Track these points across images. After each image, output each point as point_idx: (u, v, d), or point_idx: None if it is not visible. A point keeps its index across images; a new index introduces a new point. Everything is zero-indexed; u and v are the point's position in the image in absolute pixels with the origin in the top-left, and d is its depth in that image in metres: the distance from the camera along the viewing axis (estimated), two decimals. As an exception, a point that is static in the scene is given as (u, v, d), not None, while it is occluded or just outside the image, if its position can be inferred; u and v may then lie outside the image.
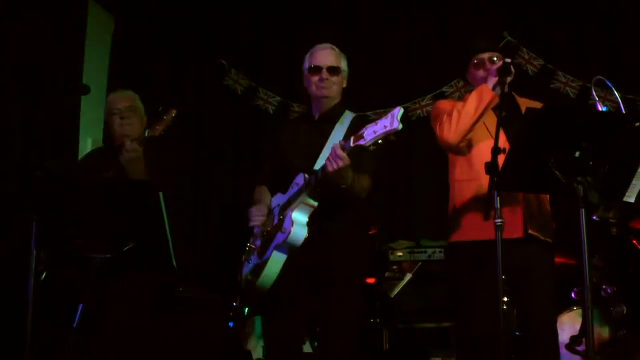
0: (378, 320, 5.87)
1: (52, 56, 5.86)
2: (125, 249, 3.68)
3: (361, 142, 3.50)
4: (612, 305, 4.92)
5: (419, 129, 6.56)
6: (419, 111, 6.86)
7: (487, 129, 3.97)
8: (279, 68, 7.22)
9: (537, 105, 3.87)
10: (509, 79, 3.81)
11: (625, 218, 5.37)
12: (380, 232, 6.02)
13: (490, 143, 3.53)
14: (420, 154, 6.68)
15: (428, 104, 6.79)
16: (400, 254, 6.02)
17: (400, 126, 3.36)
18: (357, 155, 3.66)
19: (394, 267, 6.06)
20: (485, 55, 4.06)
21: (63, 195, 3.78)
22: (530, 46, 6.75)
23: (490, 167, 3.42)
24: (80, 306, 3.71)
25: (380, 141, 3.44)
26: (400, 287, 5.98)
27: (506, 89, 3.79)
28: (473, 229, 3.91)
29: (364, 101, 6.15)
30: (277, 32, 7.31)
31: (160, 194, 3.53)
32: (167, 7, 7.25)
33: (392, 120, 3.37)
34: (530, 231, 3.92)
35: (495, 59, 4.04)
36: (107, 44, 7.22)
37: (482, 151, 3.86)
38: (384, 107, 6.71)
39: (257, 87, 7.24)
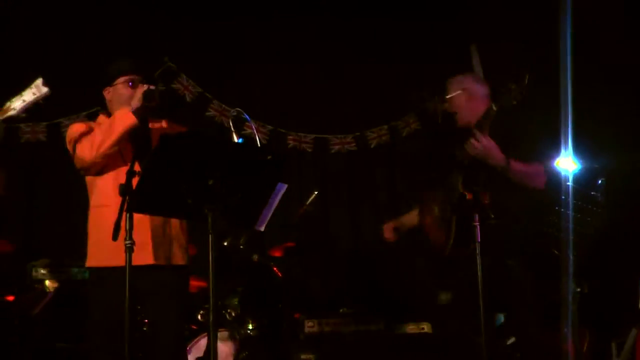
0: (16, 339, 5.68)
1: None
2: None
3: (11, 112, 3.70)
4: (237, 327, 5.13)
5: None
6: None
7: (122, 155, 4.02)
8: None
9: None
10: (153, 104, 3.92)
11: (265, 246, 5.68)
12: (20, 250, 5.87)
13: (124, 169, 3.60)
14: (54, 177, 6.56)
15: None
16: (43, 272, 5.88)
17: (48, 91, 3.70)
18: None
19: (37, 285, 5.91)
20: (129, 77, 4.09)
21: None
22: (190, 73, 6.85)
23: (124, 189, 3.46)
24: None
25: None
26: (42, 306, 5.84)
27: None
28: (107, 255, 3.93)
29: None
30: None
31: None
32: None
33: (39, 88, 3.70)
34: (155, 261, 4.00)
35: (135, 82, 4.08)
36: None
37: (120, 177, 3.85)
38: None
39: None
